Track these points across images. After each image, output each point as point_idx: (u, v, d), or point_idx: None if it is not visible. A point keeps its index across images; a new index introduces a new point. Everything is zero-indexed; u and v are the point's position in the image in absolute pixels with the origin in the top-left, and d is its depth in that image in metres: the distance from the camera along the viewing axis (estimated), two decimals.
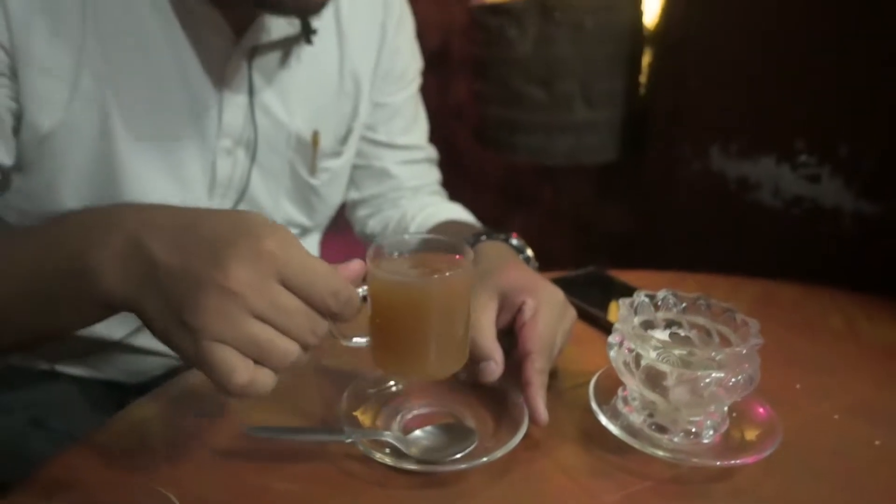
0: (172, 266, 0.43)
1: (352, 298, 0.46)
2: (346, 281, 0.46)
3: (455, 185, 1.05)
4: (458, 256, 0.52)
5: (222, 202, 0.79)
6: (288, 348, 0.44)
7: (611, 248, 1.62)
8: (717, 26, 1.19)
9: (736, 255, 1.18)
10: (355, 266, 0.48)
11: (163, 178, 0.73)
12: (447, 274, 0.49)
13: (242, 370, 0.42)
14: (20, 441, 0.75)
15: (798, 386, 0.65)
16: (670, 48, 1.33)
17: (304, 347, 0.45)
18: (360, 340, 0.52)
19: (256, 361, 0.43)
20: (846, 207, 1.00)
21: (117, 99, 0.67)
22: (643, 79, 1.42)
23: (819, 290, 0.86)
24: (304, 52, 0.78)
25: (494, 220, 1.00)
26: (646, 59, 1.42)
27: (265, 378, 0.43)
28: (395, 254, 0.53)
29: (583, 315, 0.76)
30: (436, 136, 1.01)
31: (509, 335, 0.60)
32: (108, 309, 0.49)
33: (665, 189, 1.35)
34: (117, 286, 0.46)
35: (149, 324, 0.46)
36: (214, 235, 0.44)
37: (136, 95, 0.68)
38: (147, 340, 0.82)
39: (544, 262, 0.81)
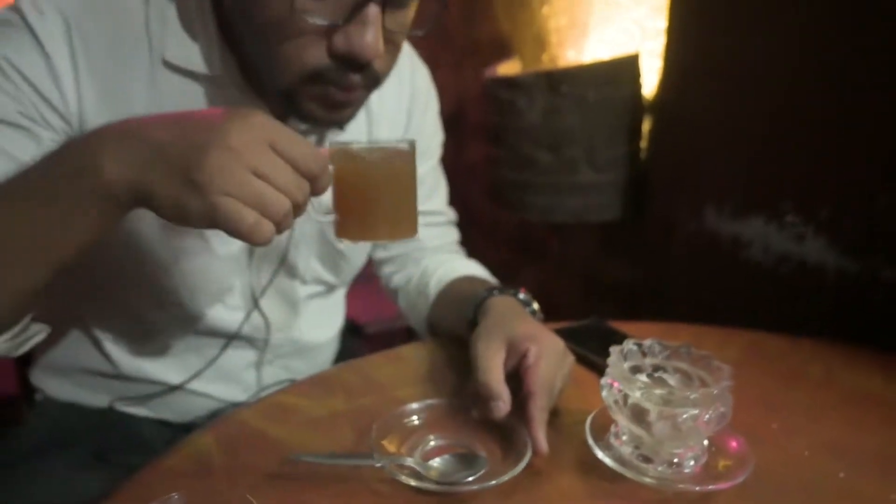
0: (175, 139, 0.51)
1: (327, 167, 0.56)
2: None
3: (470, 239, 1.13)
4: (404, 147, 0.63)
5: (262, 267, 0.88)
6: (282, 201, 0.52)
7: (615, 300, 1.70)
8: (708, 98, 1.30)
9: (730, 307, 1.25)
10: (323, 150, 0.58)
11: (207, 241, 0.82)
12: (391, 154, 0.61)
13: (250, 216, 0.50)
14: (85, 473, 0.82)
15: (775, 426, 0.73)
16: (667, 118, 1.44)
17: (294, 204, 0.53)
18: (328, 216, 0.62)
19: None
20: (829, 264, 1.08)
21: None
22: (643, 145, 1.53)
23: (802, 341, 0.94)
24: (336, 135, 0.88)
25: (507, 273, 1.09)
26: (645, 127, 1.53)
27: (267, 226, 0.52)
28: (354, 146, 0.62)
29: (583, 361, 0.85)
30: (452, 194, 1.10)
31: (516, 378, 0.69)
32: (115, 203, 0.54)
33: (664, 246, 1.44)
34: (119, 174, 0.52)
35: (157, 202, 0.52)
36: (209, 116, 0.52)
37: None
38: (200, 385, 0.92)
39: (553, 312, 0.90)
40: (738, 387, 0.62)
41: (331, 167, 0.59)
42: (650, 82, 1.52)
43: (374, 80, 0.71)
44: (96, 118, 0.71)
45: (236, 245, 0.85)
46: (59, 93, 0.69)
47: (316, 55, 0.65)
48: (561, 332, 0.75)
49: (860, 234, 1.03)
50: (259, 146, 0.52)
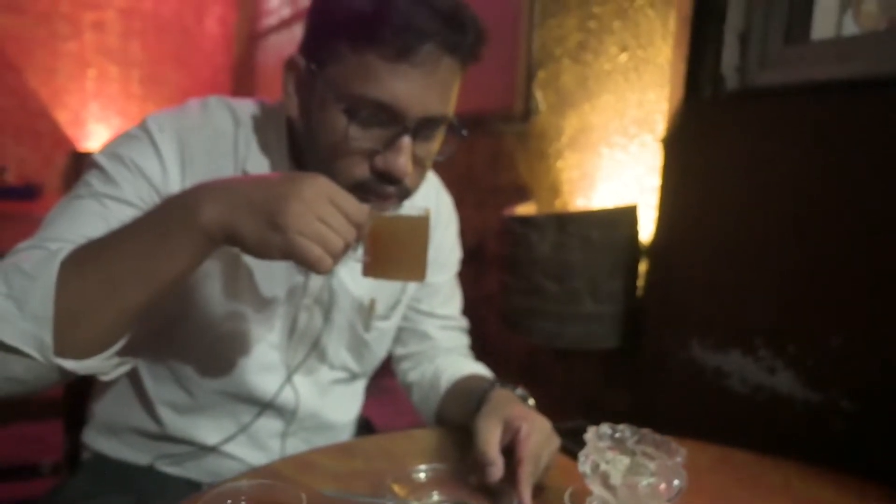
0: (260, 192, 0.70)
1: (368, 219, 0.75)
2: None
3: (483, 362, 1.23)
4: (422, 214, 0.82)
5: (298, 348, 1.04)
6: (338, 241, 0.71)
7: (612, 422, 1.81)
8: (692, 246, 1.50)
9: (713, 431, 1.36)
10: (364, 207, 0.76)
11: (257, 320, 0.98)
12: (411, 219, 0.81)
13: (317, 251, 0.68)
14: None
15: None
16: (659, 260, 1.63)
17: (345, 245, 0.71)
18: (360, 259, 0.81)
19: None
20: (797, 395, 1.21)
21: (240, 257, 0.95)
22: (639, 282, 1.71)
23: (764, 456, 1.05)
24: None
25: None
26: (642, 267, 1.72)
27: (328, 259, 0.71)
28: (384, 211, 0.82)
29: (568, 452, 0.98)
30: (469, 321, 1.25)
31: (508, 453, 0.81)
32: (209, 239, 0.70)
33: (657, 374, 1.57)
34: (215, 215, 0.69)
35: (244, 239, 0.69)
36: (283, 176, 0.71)
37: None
38: (232, 448, 1.03)
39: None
40: (703, 487, 0.74)
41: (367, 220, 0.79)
42: (647, 229, 1.73)
43: (405, 192, 0.90)
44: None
45: (278, 326, 1.01)
46: (166, 186, 0.89)
47: (361, 171, 0.85)
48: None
49: (821, 369, 1.17)
50: (323, 200, 0.71)
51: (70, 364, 0.73)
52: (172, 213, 0.73)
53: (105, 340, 0.75)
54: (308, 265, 0.70)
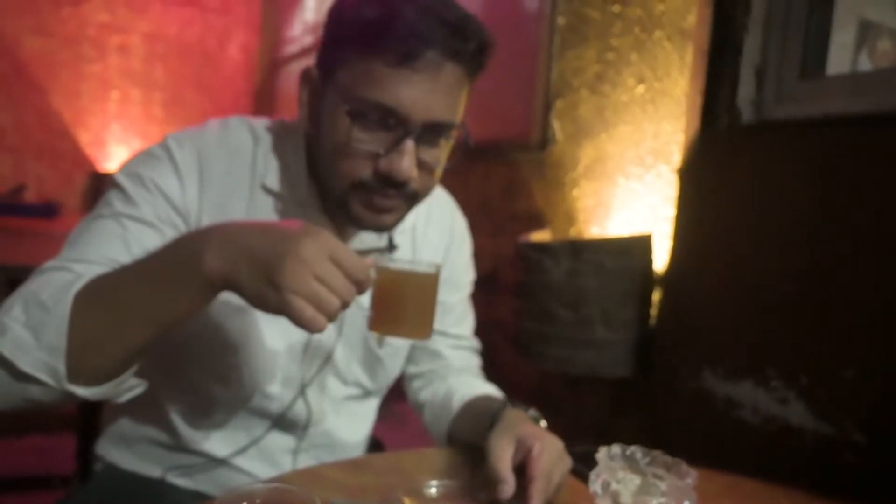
0: (262, 246, 0.70)
1: (369, 275, 0.74)
2: None
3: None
4: (431, 270, 0.81)
5: (312, 361, 1.05)
6: (334, 301, 0.70)
7: None
8: (705, 277, 1.50)
9: (723, 461, 1.35)
10: (368, 260, 0.76)
11: (272, 331, 0.99)
12: (419, 275, 0.79)
13: (309, 311, 0.68)
14: None
15: None
16: (673, 290, 1.63)
17: (343, 304, 0.71)
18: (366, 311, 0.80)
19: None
20: (808, 426, 1.20)
21: None
22: (652, 311, 1.71)
23: (773, 485, 1.04)
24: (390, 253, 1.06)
25: None
26: (655, 296, 1.72)
27: (321, 319, 0.70)
28: (393, 264, 0.80)
29: (579, 475, 0.97)
30: (481, 346, 1.26)
31: (520, 472, 0.82)
32: (210, 287, 0.71)
33: (668, 403, 1.56)
34: (217, 265, 0.70)
35: (243, 291, 0.70)
36: (288, 230, 0.71)
37: None
38: (243, 461, 1.03)
39: None
40: None
41: (374, 273, 0.78)
42: (661, 258, 1.74)
43: (411, 195, 0.91)
44: (207, 221, 0.94)
45: (294, 338, 1.02)
46: (184, 203, 0.92)
47: (364, 171, 0.87)
48: None
49: (833, 401, 1.16)
50: (322, 258, 0.71)
51: (82, 391, 0.76)
52: (179, 259, 0.75)
53: (113, 371, 0.78)
54: (300, 325, 0.70)
